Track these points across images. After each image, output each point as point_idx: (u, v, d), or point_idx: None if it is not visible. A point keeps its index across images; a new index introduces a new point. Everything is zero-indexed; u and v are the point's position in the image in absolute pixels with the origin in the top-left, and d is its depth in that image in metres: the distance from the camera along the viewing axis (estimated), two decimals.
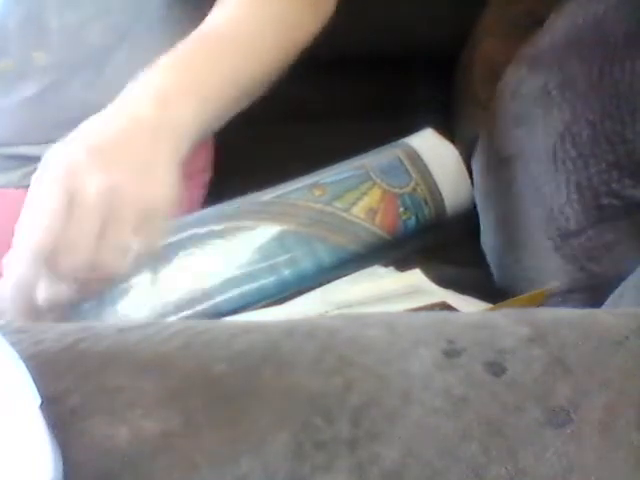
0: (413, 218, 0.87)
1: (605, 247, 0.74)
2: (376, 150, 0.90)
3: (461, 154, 0.97)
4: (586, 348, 0.45)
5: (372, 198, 0.85)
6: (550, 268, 0.78)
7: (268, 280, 0.78)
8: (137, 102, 0.70)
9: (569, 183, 0.77)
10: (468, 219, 0.92)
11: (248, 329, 0.47)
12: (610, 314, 0.50)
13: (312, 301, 0.76)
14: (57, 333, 0.46)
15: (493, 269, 0.87)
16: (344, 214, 0.83)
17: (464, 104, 1.04)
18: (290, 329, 0.47)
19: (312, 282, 0.79)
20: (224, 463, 0.40)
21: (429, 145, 0.91)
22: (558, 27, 0.86)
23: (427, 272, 0.79)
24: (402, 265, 0.82)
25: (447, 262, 0.88)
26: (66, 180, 0.64)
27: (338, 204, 0.83)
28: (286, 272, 0.79)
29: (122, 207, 0.65)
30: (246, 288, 0.78)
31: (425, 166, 0.89)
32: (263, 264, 0.79)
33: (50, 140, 0.84)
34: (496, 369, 0.43)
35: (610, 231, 0.74)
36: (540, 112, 0.82)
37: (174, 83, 0.71)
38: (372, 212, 0.85)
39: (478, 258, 0.89)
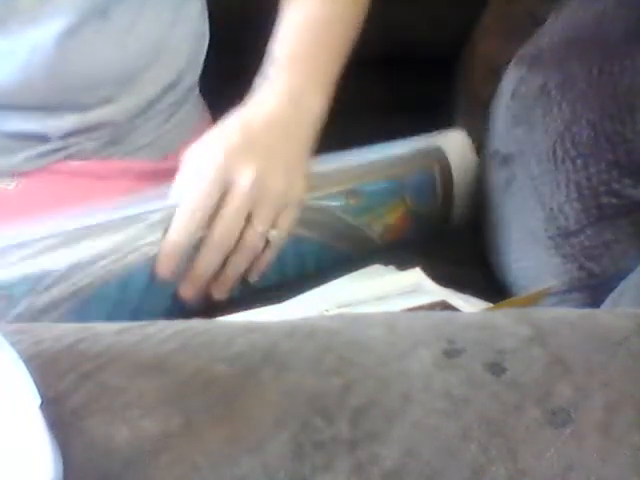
0: (416, 231, 0.88)
1: (604, 246, 0.74)
2: (416, 150, 0.89)
3: None
4: (586, 348, 0.45)
5: (394, 215, 0.86)
6: (550, 267, 0.78)
7: None
8: (276, 102, 0.79)
9: (569, 182, 0.77)
10: (468, 219, 0.92)
11: (248, 329, 0.47)
12: (610, 314, 0.50)
13: (312, 300, 0.76)
14: (57, 333, 0.46)
15: (493, 268, 0.87)
16: (363, 228, 0.84)
17: (464, 104, 1.05)
18: (290, 330, 0.47)
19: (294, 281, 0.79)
20: (224, 463, 0.40)
21: (462, 160, 0.90)
22: (558, 27, 0.86)
23: (427, 271, 0.79)
24: (402, 264, 0.82)
25: (447, 261, 0.88)
26: (224, 166, 0.74)
27: (364, 219, 0.84)
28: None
29: (267, 197, 0.75)
30: None
31: (452, 186, 0.89)
32: None
33: (52, 107, 0.84)
34: (496, 369, 0.43)
35: (609, 230, 0.74)
36: (540, 112, 0.82)
37: (302, 81, 0.81)
38: (387, 228, 0.85)
39: (478, 258, 0.89)
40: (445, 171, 0.88)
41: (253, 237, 0.75)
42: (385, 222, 0.85)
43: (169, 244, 0.73)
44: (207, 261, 0.74)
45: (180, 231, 0.73)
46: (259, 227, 0.75)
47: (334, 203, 0.82)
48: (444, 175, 0.88)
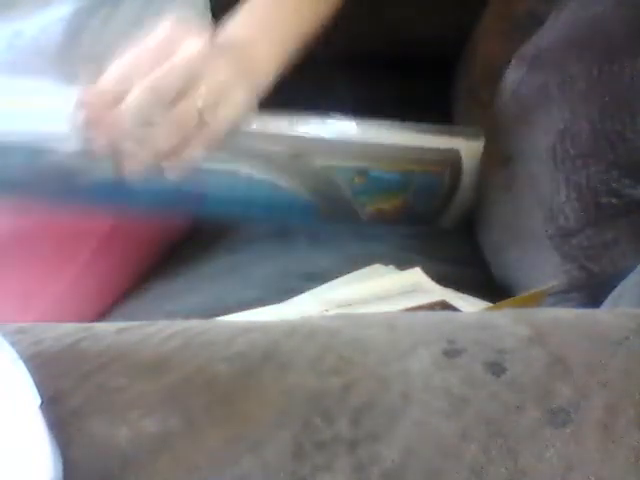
0: (404, 222, 0.88)
1: (604, 246, 0.74)
2: (436, 150, 0.88)
3: None
4: (586, 348, 0.45)
5: (390, 204, 0.86)
6: (549, 267, 0.78)
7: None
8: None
9: (569, 182, 0.77)
10: (468, 218, 0.92)
11: (248, 329, 0.47)
12: (610, 314, 0.50)
13: (312, 300, 0.76)
14: (57, 333, 0.46)
15: (493, 268, 0.87)
16: (356, 205, 0.84)
17: (464, 104, 1.05)
18: (290, 330, 0.47)
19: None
20: (224, 463, 0.40)
21: (474, 171, 0.89)
22: (558, 27, 0.86)
23: (427, 271, 0.79)
24: (402, 264, 0.82)
25: (447, 261, 0.88)
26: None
27: (361, 198, 0.84)
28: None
29: (212, 78, 0.73)
30: None
31: (456, 192, 0.89)
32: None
33: None
34: (496, 369, 0.43)
35: (609, 230, 0.74)
36: (540, 112, 0.82)
37: (255, 36, 0.80)
38: (378, 212, 0.85)
39: (478, 257, 0.89)
40: (455, 178, 0.88)
41: (187, 108, 0.72)
42: (379, 207, 0.85)
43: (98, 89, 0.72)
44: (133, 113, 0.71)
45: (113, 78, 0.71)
46: (198, 101, 0.72)
47: (340, 175, 0.83)
48: (453, 181, 0.88)
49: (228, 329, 0.48)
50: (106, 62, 0.84)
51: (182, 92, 0.71)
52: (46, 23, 0.82)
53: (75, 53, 0.83)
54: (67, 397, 0.42)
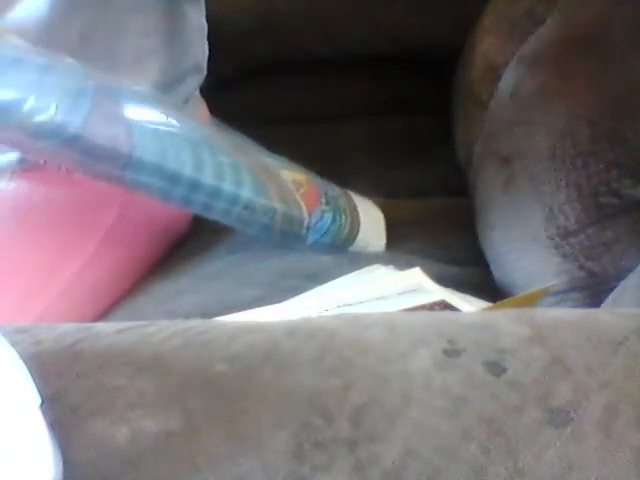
0: (330, 214, 0.88)
1: (604, 246, 0.74)
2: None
3: (461, 154, 0.97)
4: (586, 348, 0.45)
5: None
6: (550, 267, 0.78)
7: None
8: None
9: (569, 182, 0.77)
10: (468, 218, 0.92)
11: (248, 329, 0.47)
12: (610, 314, 0.50)
13: (312, 300, 0.76)
14: (57, 333, 0.46)
15: (493, 268, 0.87)
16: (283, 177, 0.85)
17: (464, 104, 1.05)
18: (290, 329, 0.47)
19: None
20: (224, 463, 0.40)
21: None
22: (558, 27, 0.86)
23: (427, 271, 0.79)
24: (402, 264, 0.82)
25: (447, 261, 0.88)
26: None
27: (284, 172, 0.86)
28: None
29: None
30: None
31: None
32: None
33: None
34: (496, 369, 0.43)
35: (609, 230, 0.74)
36: (540, 112, 0.82)
37: None
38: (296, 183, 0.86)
39: (478, 257, 0.89)
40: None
41: None
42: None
43: None
44: None
45: None
46: None
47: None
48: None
49: (228, 329, 0.48)
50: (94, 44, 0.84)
51: None
52: (31, 4, 0.81)
53: (62, 34, 0.82)
54: (67, 397, 0.42)
